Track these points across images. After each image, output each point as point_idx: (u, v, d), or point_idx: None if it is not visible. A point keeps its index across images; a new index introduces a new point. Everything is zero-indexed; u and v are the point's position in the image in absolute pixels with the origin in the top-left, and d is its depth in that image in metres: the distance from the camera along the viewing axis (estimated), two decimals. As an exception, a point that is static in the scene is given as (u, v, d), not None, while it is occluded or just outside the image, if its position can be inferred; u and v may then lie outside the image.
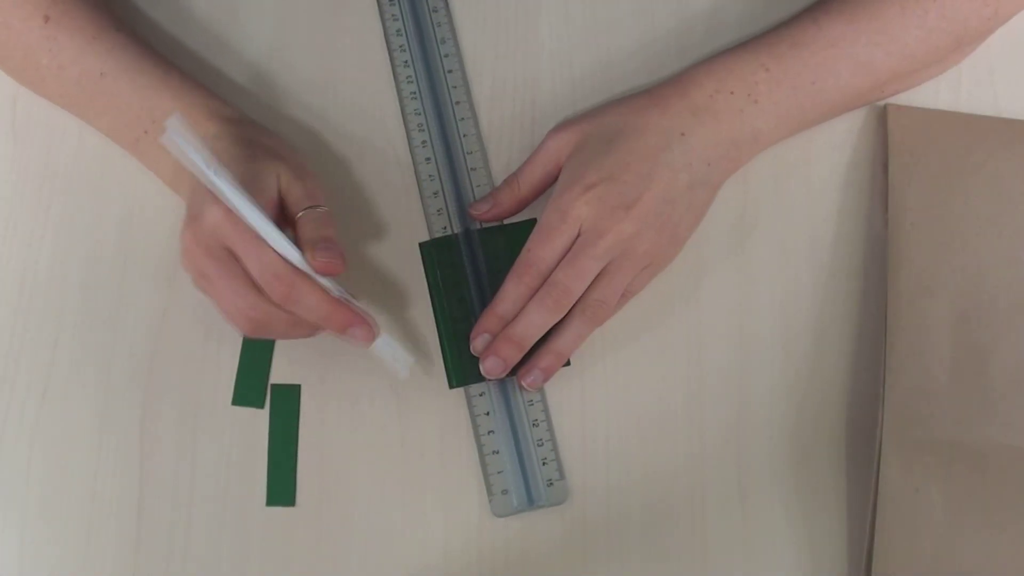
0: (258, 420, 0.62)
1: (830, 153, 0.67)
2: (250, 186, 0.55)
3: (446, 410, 0.63)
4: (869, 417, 0.61)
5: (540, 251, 0.60)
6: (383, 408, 0.63)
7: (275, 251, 0.55)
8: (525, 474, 0.61)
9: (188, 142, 0.52)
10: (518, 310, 0.60)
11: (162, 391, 0.63)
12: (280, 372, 0.63)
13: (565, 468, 0.61)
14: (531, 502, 0.61)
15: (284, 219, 0.58)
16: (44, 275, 0.64)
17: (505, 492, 0.61)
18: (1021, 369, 0.61)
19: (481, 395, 0.62)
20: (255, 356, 0.63)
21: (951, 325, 0.62)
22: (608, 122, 0.62)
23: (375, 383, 0.63)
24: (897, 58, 0.63)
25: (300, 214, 0.57)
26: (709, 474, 0.62)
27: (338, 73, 0.68)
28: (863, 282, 0.65)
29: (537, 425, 0.62)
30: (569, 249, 0.60)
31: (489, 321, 0.61)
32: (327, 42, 0.69)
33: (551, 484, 0.61)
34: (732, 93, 0.62)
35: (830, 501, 0.61)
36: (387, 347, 0.59)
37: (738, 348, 0.63)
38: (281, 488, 0.61)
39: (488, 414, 0.62)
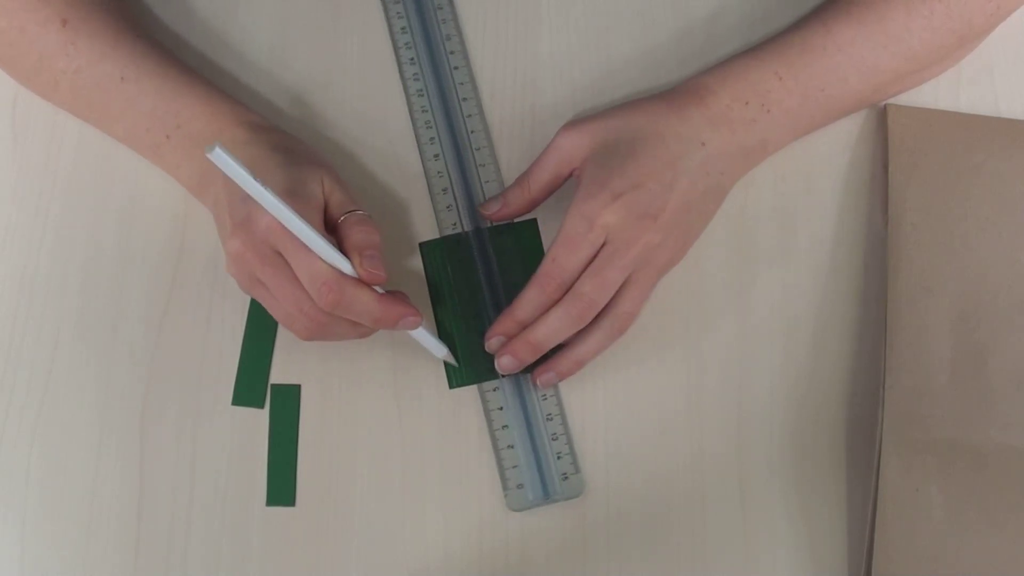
0: (258, 420, 0.62)
1: (830, 153, 0.67)
2: (297, 192, 0.56)
3: (447, 409, 0.63)
4: (869, 417, 0.62)
5: (565, 261, 0.59)
6: (383, 408, 0.63)
7: (323, 259, 0.55)
8: (540, 468, 0.61)
9: (235, 159, 0.52)
10: (537, 317, 0.60)
11: (162, 391, 0.63)
12: (280, 372, 0.63)
13: (568, 464, 0.62)
14: (547, 496, 0.61)
15: (325, 223, 0.58)
16: (44, 275, 0.64)
17: (520, 486, 0.61)
18: (1021, 369, 0.61)
19: (495, 390, 0.62)
20: (255, 356, 0.63)
21: (951, 325, 0.62)
22: (625, 126, 0.61)
23: (375, 383, 0.63)
24: (902, 59, 0.63)
25: (343, 218, 0.58)
26: (709, 474, 0.62)
27: (343, 72, 0.68)
28: (863, 282, 0.65)
29: (551, 419, 0.62)
30: (593, 257, 0.59)
31: (507, 325, 0.60)
32: (331, 40, 0.69)
33: (566, 478, 0.61)
34: (747, 103, 0.62)
35: (830, 501, 0.61)
36: (426, 332, 0.60)
37: (738, 348, 0.63)
38: (281, 488, 0.61)
39: (502, 409, 0.62)
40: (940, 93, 0.67)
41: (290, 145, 0.61)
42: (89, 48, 0.61)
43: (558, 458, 0.61)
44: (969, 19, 0.62)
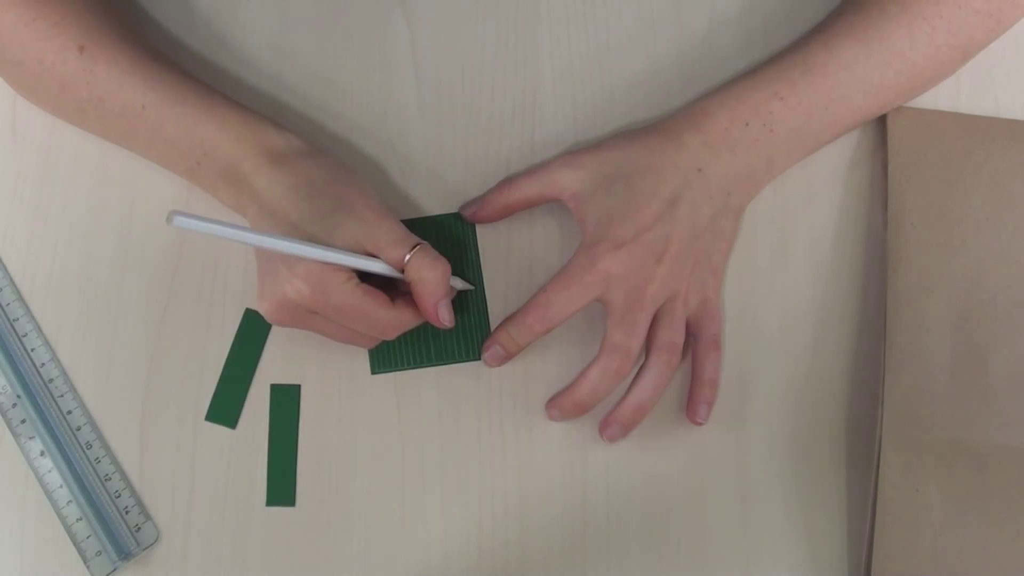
0: (258, 420, 0.62)
1: (830, 153, 0.67)
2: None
3: (447, 409, 0.63)
4: (869, 417, 0.62)
5: (554, 294, 0.59)
6: (383, 408, 0.63)
7: (380, 311, 0.57)
8: (110, 531, 0.60)
9: (201, 220, 0.51)
10: (520, 337, 0.60)
11: (162, 391, 0.63)
12: (280, 372, 0.63)
13: (568, 464, 0.61)
14: (124, 554, 0.60)
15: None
16: (44, 275, 0.64)
17: (99, 554, 0.60)
18: (1021, 369, 0.61)
19: (51, 471, 0.61)
20: (237, 375, 0.63)
21: (951, 325, 0.62)
22: (621, 160, 0.61)
23: (375, 383, 0.63)
24: (907, 76, 0.62)
25: (410, 255, 0.57)
26: (709, 474, 0.62)
27: (344, 71, 0.68)
28: (863, 282, 0.65)
29: (110, 479, 0.61)
30: (582, 300, 0.59)
31: (496, 337, 0.61)
32: (332, 40, 0.69)
33: (139, 529, 0.60)
34: (747, 124, 0.62)
35: (830, 501, 0.61)
36: (455, 282, 0.61)
37: (738, 348, 0.63)
38: (281, 488, 0.61)
39: (62, 487, 0.60)
40: (940, 93, 0.67)
41: (315, 176, 0.59)
42: (107, 75, 0.60)
43: (126, 513, 0.60)
44: (970, 35, 0.62)
